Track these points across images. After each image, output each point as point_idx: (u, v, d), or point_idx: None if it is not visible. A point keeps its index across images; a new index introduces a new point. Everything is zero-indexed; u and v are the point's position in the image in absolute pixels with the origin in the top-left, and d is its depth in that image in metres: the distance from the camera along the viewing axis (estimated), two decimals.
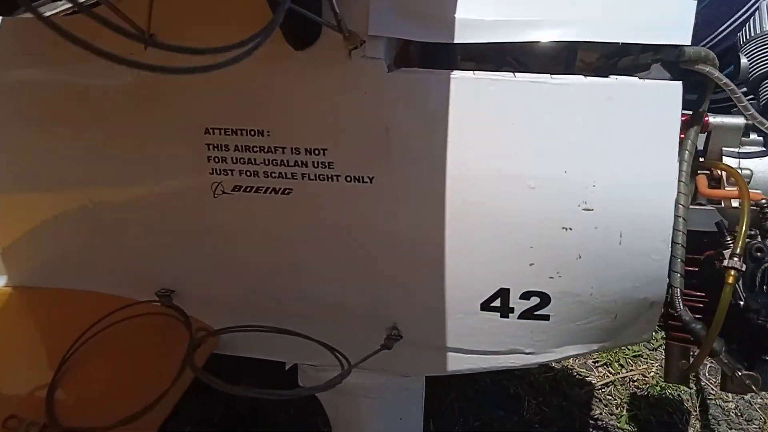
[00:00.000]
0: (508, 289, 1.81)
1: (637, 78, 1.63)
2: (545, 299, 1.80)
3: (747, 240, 1.60)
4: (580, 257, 1.71)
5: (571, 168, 1.64)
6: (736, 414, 3.07)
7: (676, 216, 1.62)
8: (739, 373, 1.70)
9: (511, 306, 1.83)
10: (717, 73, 1.66)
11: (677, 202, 1.62)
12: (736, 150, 1.82)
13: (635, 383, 3.26)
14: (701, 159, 1.85)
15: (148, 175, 1.93)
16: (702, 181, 1.80)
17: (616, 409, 3.16)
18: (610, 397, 3.17)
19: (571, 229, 1.68)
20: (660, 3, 1.63)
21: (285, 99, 1.75)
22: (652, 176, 1.62)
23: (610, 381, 3.30)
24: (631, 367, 3.36)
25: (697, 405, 3.10)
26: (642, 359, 3.43)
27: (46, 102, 1.93)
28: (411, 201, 1.75)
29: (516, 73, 1.63)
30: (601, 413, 3.07)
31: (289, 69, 1.72)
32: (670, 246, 1.63)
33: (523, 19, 1.62)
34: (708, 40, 2.16)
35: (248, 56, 0.73)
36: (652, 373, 3.28)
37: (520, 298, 1.81)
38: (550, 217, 1.68)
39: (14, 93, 1.96)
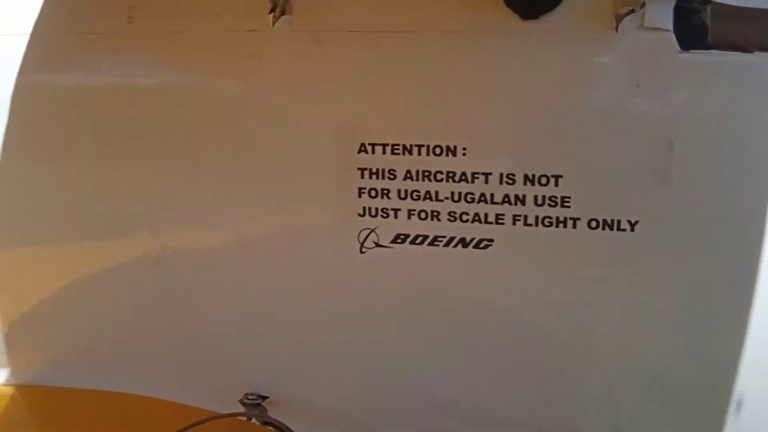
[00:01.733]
0: None
1: None
2: None
3: None
4: None
5: None
6: None
7: None
8: None
9: None
10: None
11: None
12: None
13: None
14: None
15: (252, 213, 1.26)
16: None
17: None
18: None
19: None
20: None
21: (495, 96, 1.13)
22: None
23: None
24: None
25: None
26: None
27: (107, 105, 1.29)
28: (698, 271, 1.10)
29: None
30: None
31: (507, 49, 1.11)
32: None
33: None
34: None
35: None
36: None
37: None
38: None
39: (59, 92, 1.32)
